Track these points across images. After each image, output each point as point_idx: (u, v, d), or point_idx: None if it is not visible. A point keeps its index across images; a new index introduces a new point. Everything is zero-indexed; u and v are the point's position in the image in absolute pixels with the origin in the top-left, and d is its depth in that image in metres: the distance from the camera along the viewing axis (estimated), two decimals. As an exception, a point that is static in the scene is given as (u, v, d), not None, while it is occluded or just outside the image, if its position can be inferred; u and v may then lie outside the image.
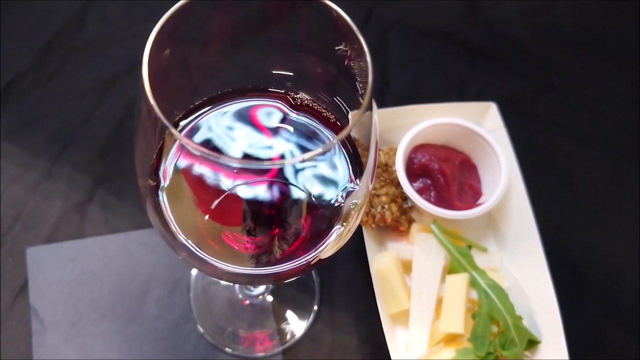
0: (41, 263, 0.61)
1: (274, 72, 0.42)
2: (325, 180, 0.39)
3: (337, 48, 0.37)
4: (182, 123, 0.41)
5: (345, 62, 0.37)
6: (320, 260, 0.39)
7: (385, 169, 0.66)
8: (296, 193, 0.39)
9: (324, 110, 0.43)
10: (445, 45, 0.80)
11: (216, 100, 0.42)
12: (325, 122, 0.42)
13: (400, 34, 0.80)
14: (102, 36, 0.76)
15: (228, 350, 0.59)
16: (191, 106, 0.42)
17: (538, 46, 0.80)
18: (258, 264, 0.39)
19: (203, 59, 0.41)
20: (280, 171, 0.40)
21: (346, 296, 0.63)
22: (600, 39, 0.82)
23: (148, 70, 0.30)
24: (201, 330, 0.60)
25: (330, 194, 0.39)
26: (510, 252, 0.64)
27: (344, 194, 0.39)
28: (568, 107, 0.77)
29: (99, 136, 0.69)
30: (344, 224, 0.39)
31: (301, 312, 0.62)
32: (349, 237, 0.40)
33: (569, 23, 0.82)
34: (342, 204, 0.39)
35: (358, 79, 0.37)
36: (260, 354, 0.59)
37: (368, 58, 0.34)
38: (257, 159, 0.41)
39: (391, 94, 0.75)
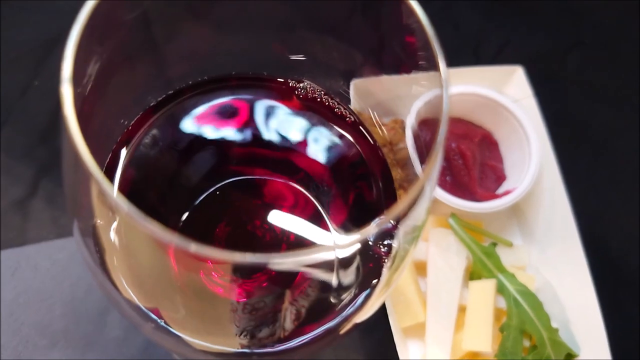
0: (-27, 278, 0.50)
1: (269, 53, 0.30)
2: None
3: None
4: (127, 148, 0.29)
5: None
6: (355, 325, 0.28)
7: (390, 148, 0.56)
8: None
9: (337, 107, 0.31)
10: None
11: (186, 93, 0.30)
12: (341, 124, 0.30)
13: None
14: (38, -16, 0.63)
15: (210, 376, 0.49)
16: (153, 103, 0.29)
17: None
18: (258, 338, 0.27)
19: (169, 36, 0.28)
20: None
21: (350, 306, 0.53)
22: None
23: (72, 85, 0.18)
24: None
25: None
26: (540, 246, 0.55)
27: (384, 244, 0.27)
28: (601, 67, 0.67)
29: (39, 113, 0.57)
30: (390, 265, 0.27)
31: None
32: (397, 282, 0.29)
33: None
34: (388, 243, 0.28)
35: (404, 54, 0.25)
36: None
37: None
38: (256, 235, 0.29)
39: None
